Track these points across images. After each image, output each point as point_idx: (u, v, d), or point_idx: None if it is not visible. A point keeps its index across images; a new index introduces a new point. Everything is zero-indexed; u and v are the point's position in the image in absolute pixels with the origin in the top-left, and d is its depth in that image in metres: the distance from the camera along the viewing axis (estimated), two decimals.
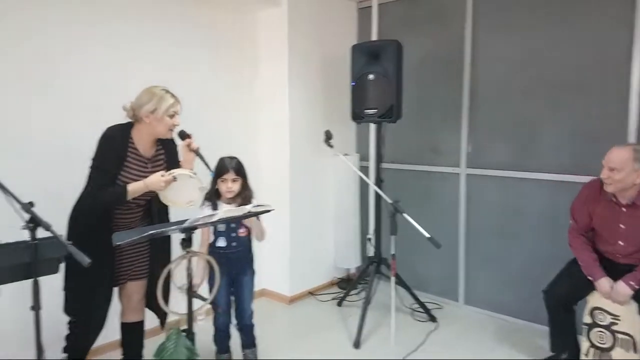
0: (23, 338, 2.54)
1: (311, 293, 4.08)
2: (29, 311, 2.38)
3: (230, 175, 2.57)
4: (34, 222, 1.59)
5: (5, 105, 2.59)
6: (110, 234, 2.20)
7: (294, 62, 3.80)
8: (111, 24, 3.00)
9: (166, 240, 2.51)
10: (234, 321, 2.75)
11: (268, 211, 2.43)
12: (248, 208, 2.33)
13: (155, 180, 2.20)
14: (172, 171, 2.25)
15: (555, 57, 3.25)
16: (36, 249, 1.58)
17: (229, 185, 2.57)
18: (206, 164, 2.36)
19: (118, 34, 3.03)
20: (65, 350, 2.49)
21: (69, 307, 2.35)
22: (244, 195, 2.64)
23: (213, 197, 2.62)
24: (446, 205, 3.83)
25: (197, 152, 2.38)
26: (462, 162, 3.72)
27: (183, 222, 2.07)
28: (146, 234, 2.02)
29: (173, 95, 2.33)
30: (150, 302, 2.52)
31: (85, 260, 1.59)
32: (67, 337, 2.45)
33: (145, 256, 2.47)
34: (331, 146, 3.35)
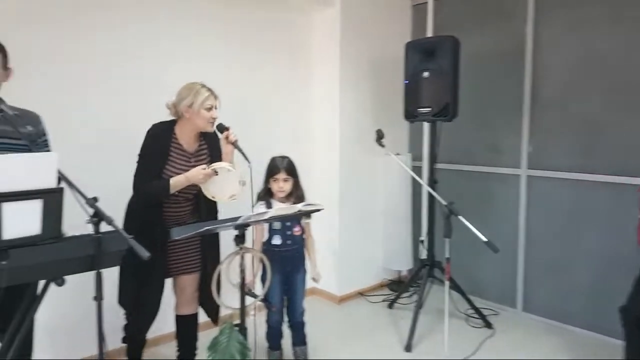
0: (84, 328, 2.68)
1: (361, 294, 4.04)
2: (89, 301, 2.52)
3: (282, 174, 2.59)
4: (98, 217, 1.65)
5: (76, 103, 2.73)
6: (160, 228, 2.29)
7: (345, 61, 3.79)
8: (171, 25, 3.10)
9: (215, 235, 2.54)
10: (285, 319, 2.76)
11: (318, 210, 2.43)
12: (299, 207, 2.34)
13: (195, 173, 2.26)
14: (212, 165, 2.30)
15: (622, 56, 3.05)
16: (99, 242, 1.63)
17: (281, 185, 2.59)
18: (244, 156, 2.33)
19: (177, 34, 3.13)
20: (124, 340, 2.60)
21: (123, 298, 2.45)
22: (297, 194, 2.66)
23: (266, 196, 2.65)
24: (505, 208, 3.68)
25: (235, 144, 2.38)
26: (523, 163, 3.56)
27: (236, 219, 2.10)
28: (202, 229, 2.07)
29: (209, 89, 2.37)
30: (203, 298, 2.56)
31: (145, 254, 1.63)
32: (125, 328, 2.56)
33: (196, 250, 2.52)
34: (382, 146, 3.30)
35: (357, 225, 4.00)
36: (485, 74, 3.75)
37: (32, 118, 2.02)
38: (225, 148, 2.41)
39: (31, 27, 2.56)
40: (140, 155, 2.36)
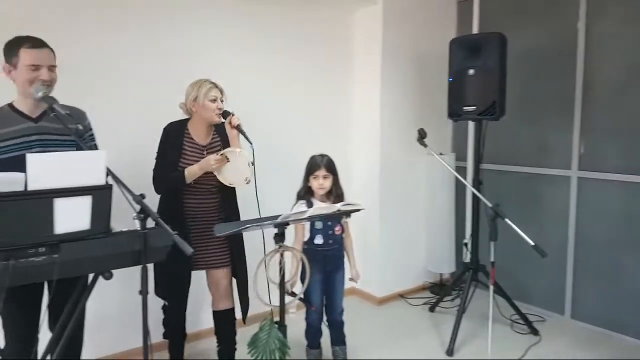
0: (130, 321, 2.77)
1: (401, 296, 3.98)
2: (135, 295, 2.60)
3: (322, 171, 2.59)
4: (144, 213, 1.69)
5: (133, 102, 2.84)
6: (182, 221, 2.38)
7: (387, 59, 3.74)
8: (209, 24, 3.15)
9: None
10: (324, 318, 2.76)
11: (358, 210, 2.41)
12: (338, 206, 2.33)
13: (207, 160, 2.36)
14: (222, 152, 2.38)
15: None
16: (146, 238, 1.68)
17: (321, 182, 2.59)
18: (247, 138, 2.41)
19: (216, 33, 3.18)
20: (165, 335, 2.67)
21: (157, 290, 2.55)
22: (336, 193, 2.65)
23: (306, 194, 2.65)
24: (553, 211, 3.53)
25: (238, 128, 2.44)
26: (574, 164, 3.41)
27: (276, 217, 2.11)
28: (243, 227, 2.09)
29: (212, 82, 2.46)
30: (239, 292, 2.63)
31: (189, 249, 1.67)
32: (164, 323, 2.65)
33: (223, 245, 2.56)
34: (425, 145, 3.24)
35: (397, 227, 3.95)
36: (533, 71, 3.62)
37: (79, 115, 2.10)
38: (230, 133, 2.46)
39: (74, 28, 2.66)
40: (157, 152, 2.50)
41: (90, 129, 2.18)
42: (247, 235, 2.49)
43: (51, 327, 1.98)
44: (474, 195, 3.31)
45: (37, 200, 1.51)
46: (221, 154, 2.36)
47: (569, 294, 3.48)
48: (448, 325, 3.24)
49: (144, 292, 1.71)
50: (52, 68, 1.98)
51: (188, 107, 2.47)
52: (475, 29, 3.96)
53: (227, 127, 2.45)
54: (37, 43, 1.95)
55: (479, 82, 3.21)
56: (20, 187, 1.51)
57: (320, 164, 2.61)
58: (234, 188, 2.54)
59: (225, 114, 2.45)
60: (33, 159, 1.53)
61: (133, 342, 2.81)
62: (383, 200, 3.82)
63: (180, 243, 1.68)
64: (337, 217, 2.64)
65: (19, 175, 1.51)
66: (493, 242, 2.63)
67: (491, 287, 2.75)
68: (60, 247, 1.55)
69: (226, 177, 2.41)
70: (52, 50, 2.00)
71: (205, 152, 2.48)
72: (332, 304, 2.74)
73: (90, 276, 1.81)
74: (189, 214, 2.47)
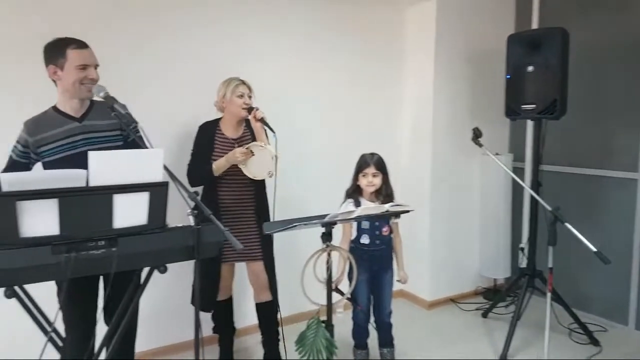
0: (181, 314, 2.87)
1: (453, 300, 3.88)
2: (185, 289, 2.67)
3: (371, 169, 2.57)
4: (198, 210, 1.74)
5: (190, 102, 2.93)
6: (218, 214, 2.44)
7: (441, 55, 3.65)
8: (260, 22, 3.19)
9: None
10: (372, 318, 2.74)
11: (407, 211, 2.36)
12: (386, 207, 2.29)
13: (232, 153, 2.48)
14: (247, 145, 2.49)
15: None
16: (199, 234, 1.73)
17: (370, 180, 2.57)
18: (270, 128, 2.51)
19: (267, 32, 3.22)
20: (214, 330, 2.75)
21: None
22: (386, 192, 2.62)
23: (355, 193, 2.64)
24: (618, 215, 3.33)
25: (262, 121, 2.52)
26: None
27: (324, 216, 2.11)
28: (291, 226, 2.11)
29: (240, 80, 2.59)
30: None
31: (239, 245, 1.70)
32: (213, 317, 2.74)
33: (255, 238, 2.62)
34: (480, 145, 3.13)
35: (450, 229, 3.85)
36: (597, 68, 3.42)
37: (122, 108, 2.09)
38: (254, 126, 2.56)
39: (115, 25, 2.74)
40: (192, 149, 2.65)
41: (135, 121, 2.15)
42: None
43: (107, 321, 2.05)
44: (532, 197, 3.18)
45: (98, 195, 1.58)
46: (247, 148, 2.48)
47: (634, 303, 3.27)
48: (501, 332, 3.13)
49: (197, 286, 1.76)
50: (96, 67, 2.04)
51: (219, 104, 2.62)
52: (535, 24, 3.79)
53: (252, 120, 2.55)
54: (82, 44, 2.00)
55: (538, 80, 3.08)
56: (82, 183, 1.58)
57: (370, 161, 2.59)
58: (264, 181, 2.63)
59: (249, 109, 2.56)
60: (95, 157, 1.60)
61: (184, 335, 2.90)
62: (434, 202, 3.74)
63: (231, 239, 1.72)
64: (385, 218, 2.61)
65: (81, 171, 1.58)
66: (552, 247, 2.52)
67: (548, 294, 2.62)
68: (119, 241, 1.62)
69: (250, 170, 2.52)
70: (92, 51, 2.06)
71: (235, 145, 2.59)
72: (380, 305, 2.71)
73: (143, 271, 1.87)
74: (223, 206, 2.57)
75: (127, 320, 1.84)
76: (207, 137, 2.61)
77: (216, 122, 2.66)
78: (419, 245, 3.75)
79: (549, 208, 2.57)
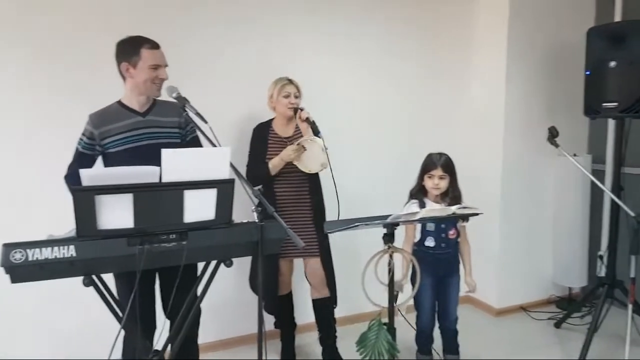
0: (244, 308, 2.95)
1: (523, 308, 3.70)
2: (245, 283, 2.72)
3: (438, 171, 2.49)
4: (261, 207, 1.78)
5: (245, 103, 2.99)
6: (275, 209, 2.39)
7: (513, 49, 3.48)
8: (328, 22, 3.21)
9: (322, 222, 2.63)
10: (437, 324, 2.67)
11: (475, 214, 2.27)
12: (453, 209, 2.21)
13: (285, 151, 2.55)
14: (298, 141, 2.55)
15: None
16: (262, 230, 1.77)
17: (436, 182, 2.50)
18: (316, 128, 2.54)
19: (333, 30, 3.23)
20: (275, 325, 2.81)
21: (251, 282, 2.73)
22: (453, 194, 2.53)
23: (419, 194, 2.58)
24: None
25: (307, 121, 2.57)
26: None
27: (386, 217, 2.08)
28: (352, 225, 2.10)
29: (288, 79, 2.64)
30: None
31: (300, 243, 1.72)
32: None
33: (312, 234, 2.65)
34: (556, 145, 2.96)
35: (521, 234, 3.68)
36: None
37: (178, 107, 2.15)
38: (301, 126, 2.66)
39: (186, 28, 2.86)
40: (249, 150, 2.74)
41: (191, 122, 2.21)
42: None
43: (167, 312, 2.11)
44: (613, 202, 2.97)
45: (170, 191, 1.67)
46: (297, 143, 2.54)
47: None
48: (576, 344, 2.93)
49: (260, 281, 1.80)
50: (166, 67, 2.14)
51: (269, 104, 2.70)
52: (617, 17, 3.53)
53: (298, 120, 2.64)
54: (155, 44, 2.09)
55: (621, 76, 2.88)
56: (155, 179, 1.67)
57: (437, 162, 2.50)
58: (318, 177, 2.70)
59: (295, 109, 2.62)
60: (167, 154, 1.68)
61: (246, 329, 2.99)
62: (505, 205, 3.58)
63: (292, 236, 1.74)
64: (452, 220, 2.52)
65: (154, 168, 1.67)
66: (634, 255, 2.34)
67: (630, 306, 2.44)
68: (188, 235, 1.69)
69: (305, 164, 2.59)
70: None
71: (288, 143, 2.64)
72: (445, 310, 2.63)
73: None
74: (280, 203, 2.61)
75: (193, 312, 1.91)
76: (261, 138, 2.69)
77: (269, 122, 2.74)
78: (487, 250, 3.61)
79: (632, 214, 2.39)
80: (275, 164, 2.59)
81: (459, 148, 3.64)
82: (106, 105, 2.15)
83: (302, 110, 2.60)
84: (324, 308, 2.74)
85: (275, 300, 2.72)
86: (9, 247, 1.48)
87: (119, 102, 2.16)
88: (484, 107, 3.68)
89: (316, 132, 2.55)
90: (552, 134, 2.99)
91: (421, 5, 3.49)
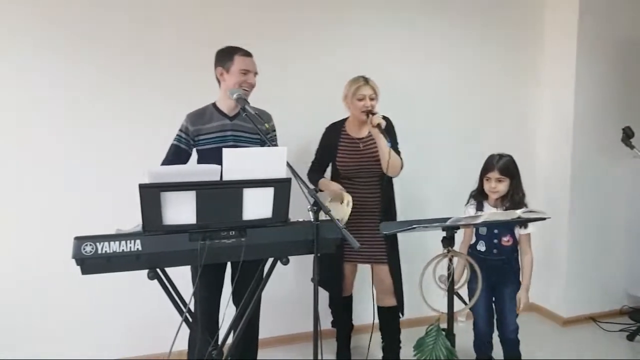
0: (301, 306, 2.98)
1: (592, 319, 3.49)
2: (308, 282, 2.74)
3: (495, 174, 2.40)
4: (317, 206, 1.79)
5: (297, 103, 3.03)
6: None
7: (584, 44, 3.31)
8: (386, 16, 3.19)
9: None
10: (496, 332, 2.56)
11: (542, 219, 2.15)
12: (518, 213, 2.11)
13: (332, 186, 2.52)
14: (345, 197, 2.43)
15: None
16: (317, 229, 1.78)
17: (493, 185, 2.40)
18: (386, 137, 2.40)
19: (395, 22, 3.20)
20: (332, 324, 2.79)
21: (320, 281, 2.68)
22: (514, 199, 2.41)
23: (479, 196, 2.49)
24: None
25: (379, 127, 2.42)
26: None
27: (446, 219, 2.03)
28: (410, 227, 2.06)
29: (365, 79, 2.50)
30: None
31: (356, 244, 1.71)
32: (332, 311, 2.80)
33: (381, 240, 2.57)
34: (631, 146, 2.78)
35: (591, 240, 3.48)
36: None
37: (266, 116, 2.36)
38: (372, 131, 2.49)
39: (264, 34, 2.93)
40: (317, 149, 2.72)
41: (274, 130, 2.41)
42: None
43: (236, 303, 2.20)
44: None
45: (230, 189, 1.71)
46: (344, 199, 2.43)
47: None
48: None
49: (315, 280, 1.80)
50: (255, 74, 2.27)
51: (344, 103, 2.61)
52: None
53: (368, 126, 2.50)
54: (247, 52, 2.27)
55: None
56: (216, 177, 1.72)
57: (495, 165, 2.40)
58: (392, 182, 2.62)
59: (368, 113, 2.49)
60: (228, 153, 1.73)
61: (303, 327, 3.02)
62: (573, 209, 3.40)
63: (348, 237, 1.73)
64: (508, 226, 2.41)
65: (216, 166, 1.72)
66: None
67: None
68: (247, 232, 1.73)
69: (333, 208, 2.42)
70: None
71: (360, 145, 2.57)
72: (502, 320, 2.52)
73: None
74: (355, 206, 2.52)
75: (252, 306, 1.95)
76: (332, 137, 2.64)
77: (342, 122, 2.68)
78: (555, 257, 3.45)
79: None
80: (323, 185, 2.59)
81: (526, 149, 3.53)
82: (203, 106, 2.33)
83: (374, 115, 2.46)
84: (390, 317, 2.68)
85: (339, 299, 2.73)
86: (81, 240, 1.57)
87: (214, 104, 2.33)
88: (553, 105, 3.51)
89: (388, 140, 2.41)
90: (627, 135, 2.83)
91: (491, 5, 3.40)
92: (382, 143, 2.44)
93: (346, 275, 2.70)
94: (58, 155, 2.69)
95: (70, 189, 2.72)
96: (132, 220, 1.73)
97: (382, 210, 2.58)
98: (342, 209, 2.40)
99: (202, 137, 2.26)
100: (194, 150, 2.32)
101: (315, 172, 2.70)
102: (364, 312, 2.87)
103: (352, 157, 2.58)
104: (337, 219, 2.24)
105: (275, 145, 2.32)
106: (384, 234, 2.53)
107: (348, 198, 2.41)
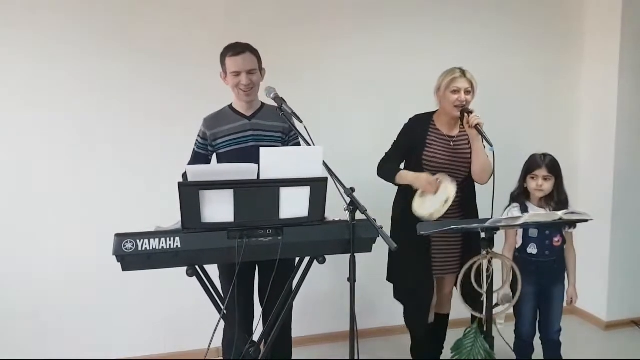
0: (338, 305, 2.96)
1: (635, 323, 3.38)
2: (340, 283, 2.72)
3: (542, 171, 2.33)
4: (353, 206, 1.77)
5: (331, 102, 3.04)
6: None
7: (628, 36, 3.17)
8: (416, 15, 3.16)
9: (477, 238, 2.28)
10: (538, 334, 2.49)
11: (585, 220, 2.09)
12: (560, 214, 2.05)
13: (418, 177, 2.28)
14: (439, 178, 2.25)
15: None
16: (354, 229, 1.77)
17: (540, 183, 2.33)
18: (487, 140, 2.19)
19: (427, 20, 3.17)
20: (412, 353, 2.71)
21: (396, 293, 2.57)
22: (558, 198, 2.35)
23: (521, 197, 2.42)
24: None
25: (477, 128, 2.23)
26: None
27: (485, 220, 1.98)
28: (447, 227, 2.02)
29: (462, 71, 2.30)
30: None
31: (393, 245, 1.68)
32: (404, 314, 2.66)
33: (457, 250, 2.46)
34: None
35: (634, 242, 3.36)
36: None
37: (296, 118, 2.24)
38: (469, 132, 2.31)
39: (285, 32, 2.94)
40: (394, 142, 2.49)
41: (291, 130, 2.26)
42: None
43: (263, 303, 2.17)
44: None
45: (267, 188, 1.71)
46: (437, 180, 2.25)
47: None
48: None
49: (351, 280, 1.79)
50: (251, 72, 2.15)
51: (436, 96, 2.41)
52: None
53: (465, 126, 2.30)
54: (237, 49, 2.13)
55: None
56: (253, 176, 1.73)
57: (542, 163, 2.34)
58: (473, 184, 2.44)
59: (463, 111, 2.29)
60: (265, 153, 1.74)
61: (338, 326, 2.99)
62: (617, 210, 3.28)
63: (384, 237, 1.71)
64: (557, 226, 2.34)
65: (253, 166, 1.72)
66: None
67: None
68: (284, 231, 1.73)
69: (419, 202, 2.31)
70: (254, 53, 2.17)
71: (451, 143, 2.39)
72: (547, 321, 2.45)
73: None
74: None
75: (287, 306, 1.96)
76: (419, 130, 2.40)
77: (430, 115, 2.46)
78: (597, 258, 3.34)
79: None
80: (403, 177, 2.35)
81: (568, 149, 3.42)
82: (219, 109, 2.29)
83: (471, 113, 2.25)
84: (442, 323, 2.59)
85: (422, 326, 2.51)
86: (121, 237, 1.60)
87: (230, 106, 2.29)
88: (594, 101, 3.40)
89: (491, 144, 2.18)
90: None
91: (532, 3, 3.32)
92: (479, 146, 2.28)
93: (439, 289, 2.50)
94: (95, 154, 2.77)
95: (110, 188, 2.80)
96: (171, 218, 1.76)
97: (462, 216, 2.39)
98: (436, 202, 2.22)
99: (220, 140, 2.20)
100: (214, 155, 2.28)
101: (391, 163, 2.45)
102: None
103: (442, 154, 2.37)
104: (427, 214, 2.22)
105: (297, 144, 2.30)
106: (462, 242, 2.42)
107: (449, 194, 2.19)
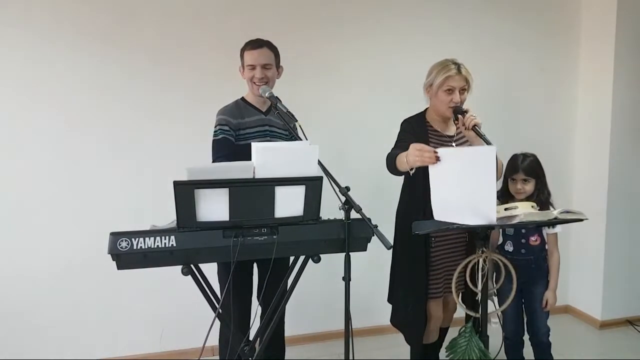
0: (327, 305, 2.98)
1: (630, 322, 3.39)
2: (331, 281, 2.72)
3: (520, 175, 2.34)
4: (348, 204, 1.77)
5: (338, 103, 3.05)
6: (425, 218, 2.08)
7: (623, 40, 3.19)
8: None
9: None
10: (527, 334, 2.50)
11: (580, 220, 2.08)
12: (555, 213, 2.04)
13: (408, 153, 1.91)
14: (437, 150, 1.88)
15: None
16: (349, 228, 1.77)
17: (518, 187, 2.34)
18: (486, 141, 2.02)
19: (432, 20, 3.19)
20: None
21: (393, 319, 2.45)
22: (540, 198, 2.33)
23: (505, 196, 2.42)
24: None
25: (474, 129, 2.05)
26: None
27: None
28: (444, 227, 2.00)
29: (456, 66, 2.09)
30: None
31: (389, 243, 1.68)
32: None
33: (461, 252, 2.32)
34: None
35: (630, 242, 3.37)
36: None
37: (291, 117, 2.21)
38: (466, 133, 2.11)
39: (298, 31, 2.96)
40: (396, 142, 2.26)
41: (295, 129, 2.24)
42: None
43: (261, 302, 2.19)
44: None
45: (262, 187, 1.71)
46: (436, 154, 1.94)
47: None
48: None
49: (347, 279, 1.79)
50: (266, 66, 2.16)
51: (426, 92, 2.21)
52: None
53: (461, 127, 2.11)
54: (256, 44, 2.16)
55: None
56: (249, 175, 1.72)
57: (519, 167, 2.33)
58: None
59: (457, 111, 2.10)
60: (258, 148, 1.73)
61: (330, 325, 3.03)
62: (611, 210, 3.29)
63: (380, 236, 1.71)
64: (534, 226, 2.33)
65: (249, 163, 1.72)
66: None
67: None
68: (279, 230, 1.73)
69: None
70: (272, 49, 2.19)
71: (453, 144, 2.23)
72: (533, 322, 2.46)
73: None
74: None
75: (282, 304, 1.95)
76: (417, 133, 2.17)
77: (421, 116, 2.25)
78: (591, 258, 3.35)
79: None
80: (401, 160, 2.00)
81: (563, 149, 3.44)
82: (232, 102, 2.28)
83: (467, 113, 2.06)
84: (442, 336, 2.50)
85: (419, 342, 2.33)
86: (116, 235, 1.60)
87: (243, 99, 2.29)
88: (589, 104, 3.41)
89: (487, 143, 2.00)
90: None
91: (528, 5, 3.34)
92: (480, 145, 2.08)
93: (432, 315, 2.29)
94: (88, 153, 2.76)
95: (102, 186, 2.79)
96: (167, 217, 1.75)
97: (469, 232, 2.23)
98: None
99: (243, 131, 2.19)
100: None
101: (393, 152, 2.15)
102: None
103: None
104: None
105: (300, 137, 2.26)
106: (467, 247, 2.26)
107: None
